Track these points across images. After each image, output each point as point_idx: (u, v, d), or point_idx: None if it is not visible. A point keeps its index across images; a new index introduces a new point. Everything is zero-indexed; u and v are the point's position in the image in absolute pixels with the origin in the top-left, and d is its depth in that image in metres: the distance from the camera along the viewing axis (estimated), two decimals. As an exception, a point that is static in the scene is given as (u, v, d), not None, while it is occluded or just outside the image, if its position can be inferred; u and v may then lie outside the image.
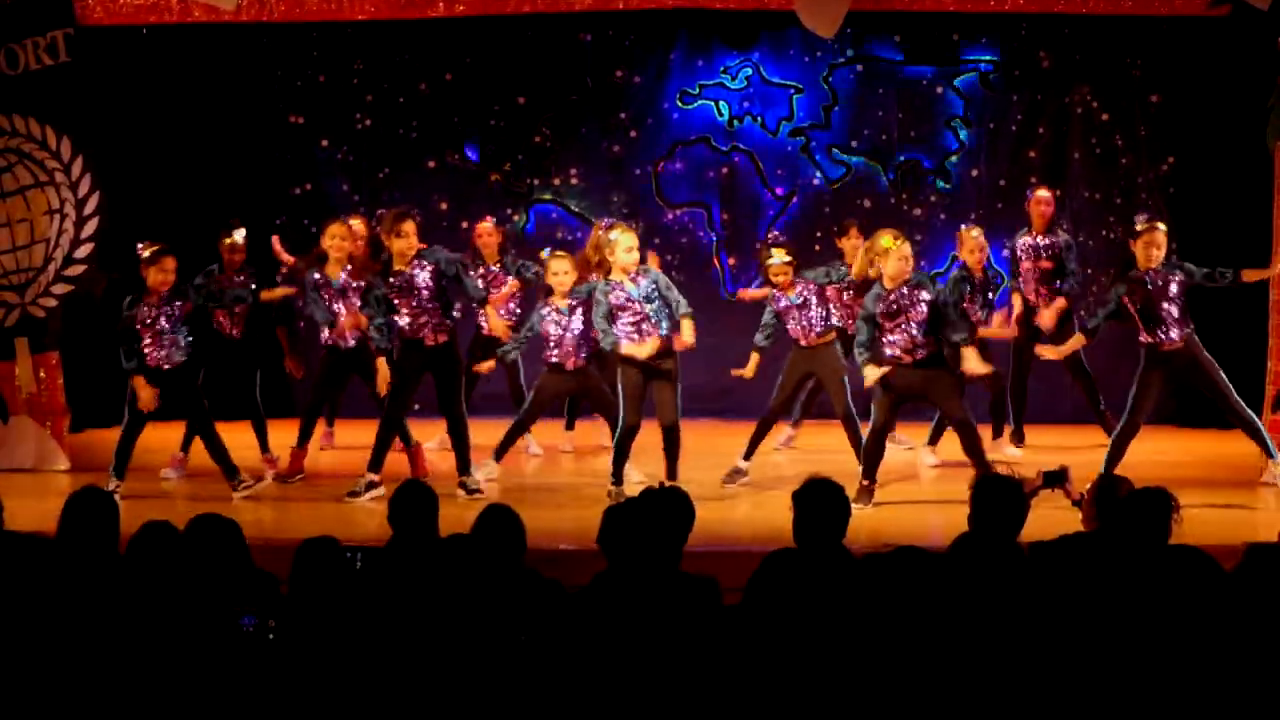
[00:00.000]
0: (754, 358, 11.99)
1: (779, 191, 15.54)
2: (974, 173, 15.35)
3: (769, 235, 14.45)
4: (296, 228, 15.52)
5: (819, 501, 6.66)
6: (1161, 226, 11.21)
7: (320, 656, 5.94)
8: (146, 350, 11.32)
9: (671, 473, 11.16)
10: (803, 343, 12.00)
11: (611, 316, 11.07)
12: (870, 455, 11.03)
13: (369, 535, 9.12)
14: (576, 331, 11.76)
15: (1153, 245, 11.11)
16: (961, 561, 6.33)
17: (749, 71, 15.47)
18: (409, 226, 11.33)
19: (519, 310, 13.15)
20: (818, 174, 15.50)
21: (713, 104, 15.53)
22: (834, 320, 12.23)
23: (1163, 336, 11.06)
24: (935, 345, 10.93)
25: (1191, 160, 14.83)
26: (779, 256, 12.05)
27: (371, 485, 11.17)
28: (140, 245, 11.47)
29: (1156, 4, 12.24)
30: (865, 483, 10.94)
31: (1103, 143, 15.13)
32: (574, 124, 15.63)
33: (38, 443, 12.68)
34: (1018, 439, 13.15)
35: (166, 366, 11.37)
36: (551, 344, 11.85)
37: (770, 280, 12.08)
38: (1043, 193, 13.35)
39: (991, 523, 6.72)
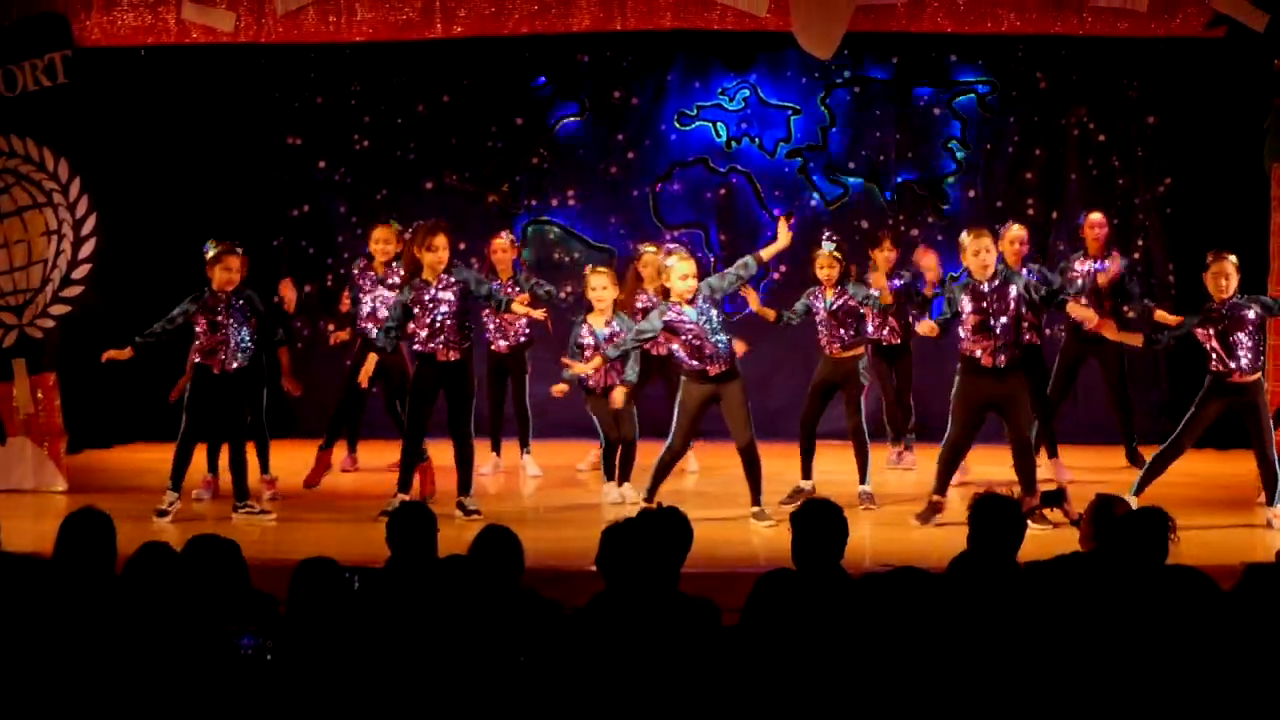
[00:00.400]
0: (771, 312, 11.86)
1: (776, 212, 15.52)
2: (971, 193, 15.36)
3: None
4: (294, 249, 15.55)
5: (817, 522, 6.66)
6: (1231, 257, 10.99)
7: (318, 678, 5.93)
8: (200, 355, 11.33)
9: (755, 497, 11.09)
10: (828, 352, 11.83)
11: (667, 335, 11.05)
12: (944, 469, 10.98)
13: (368, 556, 9.10)
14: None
15: (1221, 275, 10.90)
16: (959, 582, 6.32)
17: (746, 93, 15.50)
18: (440, 240, 11.24)
19: (528, 329, 13.15)
20: (815, 195, 15.51)
21: (710, 125, 15.55)
22: (868, 331, 12.02)
23: (1234, 367, 10.85)
24: (1019, 350, 10.89)
25: (1189, 181, 14.85)
26: (827, 246, 11.85)
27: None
28: (209, 244, 11.48)
29: (1153, 25, 12.22)
30: (936, 499, 10.94)
31: (1100, 164, 15.15)
32: (572, 145, 15.64)
33: (35, 464, 12.65)
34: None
35: (223, 369, 11.35)
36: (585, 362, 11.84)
37: (814, 272, 11.86)
38: (1095, 216, 13.22)
39: (990, 542, 6.72)
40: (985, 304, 10.84)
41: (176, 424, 11.45)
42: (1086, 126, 15.14)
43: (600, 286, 11.97)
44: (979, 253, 10.92)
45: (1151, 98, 14.95)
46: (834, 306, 11.77)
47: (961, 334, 10.97)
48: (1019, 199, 15.23)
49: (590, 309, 12.07)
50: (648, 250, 12.85)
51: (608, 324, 11.90)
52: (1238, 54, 12.72)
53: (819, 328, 11.86)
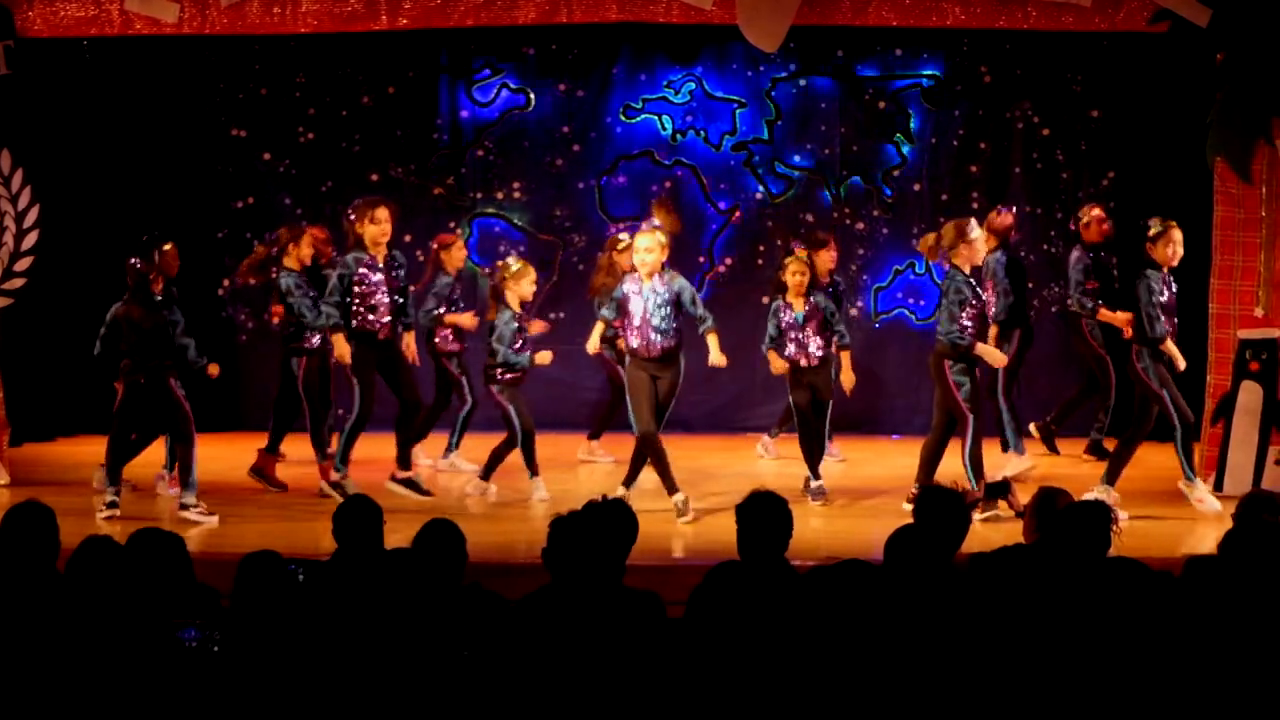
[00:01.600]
0: (783, 364, 11.70)
1: (722, 206, 15.56)
2: (916, 187, 15.40)
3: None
4: (238, 241, 15.47)
5: (762, 515, 6.67)
6: (1177, 228, 11.23)
7: (263, 671, 5.92)
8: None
9: (628, 479, 11.13)
10: (802, 363, 11.67)
11: (621, 309, 11.13)
12: (973, 463, 10.92)
13: (313, 549, 9.09)
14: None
15: (1174, 243, 11.15)
16: (902, 572, 6.34)
17: (692, 86, 15.49)
18: (383, 213, 11.23)
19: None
20: (760, 188, 15.53)
21: (656, 118, 15.54)
22: (840, 338, 11.83)
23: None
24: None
25: (1131, 175, 14.93)
26: (799, 255, 11.85)
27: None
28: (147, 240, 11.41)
29: (1097, 20, 12.28)
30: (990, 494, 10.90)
31: (1044, 157, 15.22)
32: (517, 137, 15.62)
33: (-24, 458, 12.57)
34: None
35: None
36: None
37: (782, 281, 11.75)
38: (1097, 212, 13.53)
39: (934, 534, 6.74)
40: (962, 296, 10.98)
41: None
42: (1031, 120, 15.21)
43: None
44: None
45: (1095, 92, 15.02)
46: (804, 316, 11.66)
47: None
48: (964, 192, 15.27)
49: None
50: (624, 238, 12.98)
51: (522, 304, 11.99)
52: (1181, 49, 12.77)
53: (790, 342, 11.67)
